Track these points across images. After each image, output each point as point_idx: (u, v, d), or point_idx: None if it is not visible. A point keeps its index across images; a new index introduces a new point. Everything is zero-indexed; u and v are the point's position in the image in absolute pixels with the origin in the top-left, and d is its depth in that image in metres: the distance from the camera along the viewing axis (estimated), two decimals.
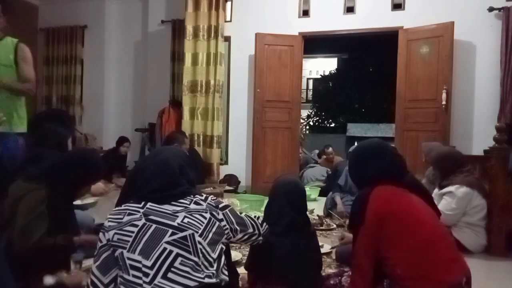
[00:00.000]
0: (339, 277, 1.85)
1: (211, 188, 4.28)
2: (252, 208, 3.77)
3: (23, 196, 1.84)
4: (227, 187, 5.11)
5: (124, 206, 1.40)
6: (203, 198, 1.46)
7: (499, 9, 4.64)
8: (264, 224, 1.67)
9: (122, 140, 5.82)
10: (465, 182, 2.88)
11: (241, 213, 1.62)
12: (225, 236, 1.44)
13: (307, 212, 1.96)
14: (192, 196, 1.44)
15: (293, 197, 1.81)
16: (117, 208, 1.41)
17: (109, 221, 1.36)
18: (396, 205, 1.57)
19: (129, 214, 1.35)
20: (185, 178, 1.48)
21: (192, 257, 1.29)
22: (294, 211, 1.78)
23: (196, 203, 1.42)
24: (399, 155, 1.79)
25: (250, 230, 1.57)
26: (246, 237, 1.57)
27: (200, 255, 1.31)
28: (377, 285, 1.61)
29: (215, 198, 1.51)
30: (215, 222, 1.40)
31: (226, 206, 1.50)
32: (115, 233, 1.32)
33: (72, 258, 1.88)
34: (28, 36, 6.58)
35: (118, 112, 6.60)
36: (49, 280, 1.73)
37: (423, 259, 1.49)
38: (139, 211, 1.36)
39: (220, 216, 1.44)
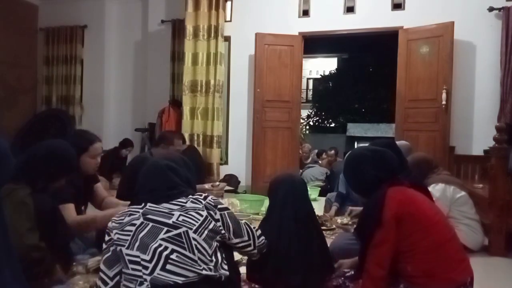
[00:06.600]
0: (342, 278, 1.84)
1: (211, 186, 4.21)
2: (252, 208, 3.77)
3: (7, 195, 1.67)
4: (227, 187, 5.10)
5: (128, 208, 1.49)
6: (202, 197, 1.50)
7: (499, 9, 4.64)
8: (262, 238, 1.66)
9: (126, 143, 5.80)
10: (438, 180, 2.94)
11: (240, 219, 1.62)
12: (220, 235, 1.47)
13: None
14: (190, 195, 1.49)
15: (294, 193, 1.81)
16: (121, 211, 1.51)
17: (112, 222, 1.46)
18: (412, 206, 1.58)
19: (130, 215, 1.45)
20: (178, 177, 1.52)
21: (187, 253, 1.35)
22: (295, 207, 1.78)
23: (194, 201, 1.46)
24: (389, 153, 1.76)
25: (245, 238, 1.58)
26: (241, 244, 1.57)
27: (196, 251, 1.36)
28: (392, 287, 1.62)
29: (215, 198, 1.54)
30: (211, 221, 1.44)
31: (225, 208, 1.52)
32: (117, 233, 1.41)
33: (77, 261, 1.89)
34: (28, 36, 6.61)
35: (118, 112, 6.59)
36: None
37: (435, 259, 1.53)
38: (138, 211, 1.45)
39: (217, 216, 1.47)
